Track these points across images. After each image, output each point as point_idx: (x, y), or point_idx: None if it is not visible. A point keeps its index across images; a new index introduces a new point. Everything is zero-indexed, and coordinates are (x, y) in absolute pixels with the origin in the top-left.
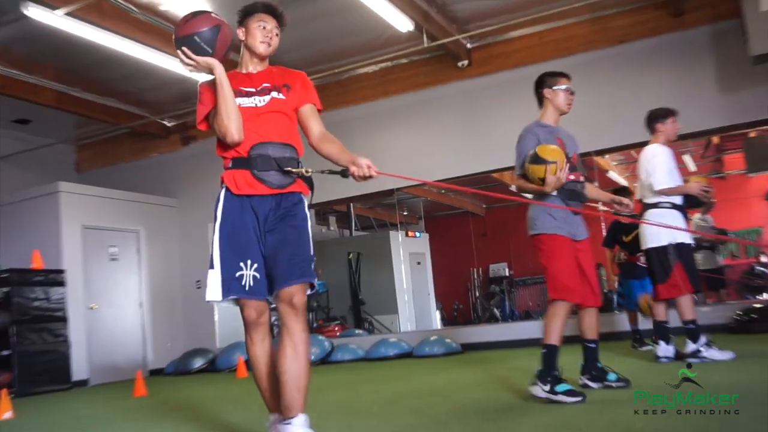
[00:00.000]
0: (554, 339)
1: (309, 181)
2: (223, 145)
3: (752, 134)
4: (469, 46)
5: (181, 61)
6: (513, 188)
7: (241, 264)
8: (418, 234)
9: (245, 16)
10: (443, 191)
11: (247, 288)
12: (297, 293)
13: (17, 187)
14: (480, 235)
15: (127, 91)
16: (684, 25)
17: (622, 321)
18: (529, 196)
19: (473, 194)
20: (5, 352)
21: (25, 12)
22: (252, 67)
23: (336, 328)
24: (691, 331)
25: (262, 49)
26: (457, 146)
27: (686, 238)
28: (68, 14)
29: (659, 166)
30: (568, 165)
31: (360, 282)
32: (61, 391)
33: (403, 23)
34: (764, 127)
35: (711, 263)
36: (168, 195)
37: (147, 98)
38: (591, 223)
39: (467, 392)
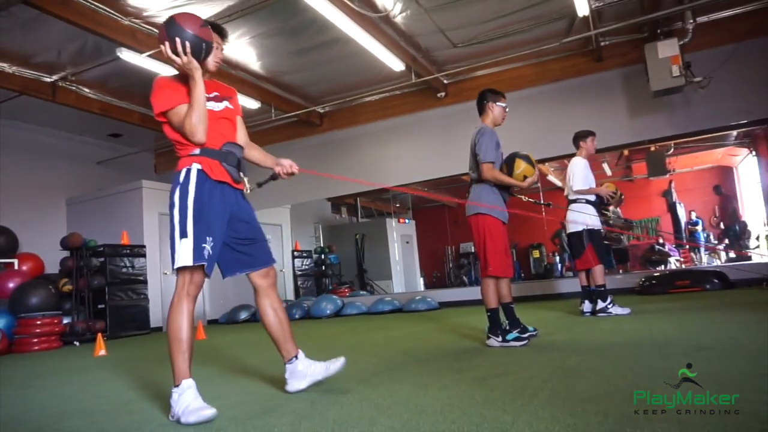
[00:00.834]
0: (493, 304)
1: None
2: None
3: (652, 148)
4: (446, 81)
5: (173, 48)
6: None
7: (207, 237)
8: (407, 221)
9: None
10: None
11: (206, 258)
12: (273, 271)
13: (111, 184)
14: (453, 222)
15: None
16: (603, 68)
17: (560, 284)
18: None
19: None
20: (101, 306)
21: (119, 54)
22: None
23: (346, 290)
24: (601, 292)
25: (214, 68)
26: (436, 155)
27: (596, 225)
28: (150, 56)
29: (578, 174)
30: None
31: (364, 256)
32: (141, 335)
33: (396, 65)
34: (661, 143)
35: (619, 243)
36: None
37: None
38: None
39: (443, 338)
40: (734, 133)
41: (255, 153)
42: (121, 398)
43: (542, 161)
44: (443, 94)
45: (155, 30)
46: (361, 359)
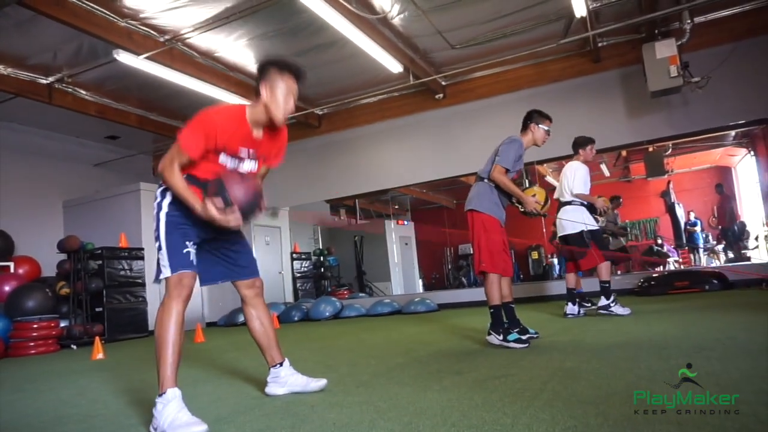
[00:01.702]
0: (496, 301)
1: None
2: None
3: (650, 149)
4: (443, 83)
5: (215, 205)
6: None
7: (186, 242)
8: (406, 222)
9: (275, 69)
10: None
11: (193, 261)
12: (259, 281)
13: (109, 187)
14: (452, 223)
15: (190, 116)
16: (601, 68)
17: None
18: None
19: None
20: (98, 309)
21: (116, 56)
22: (257, 131)
23: (345, 292)
24: (605, 289)
25: (281, 118)
26: (434, 157)
27: (595, 225)
28: (147, 58)
29: (580, 177)
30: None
31: (363, 258)
32: (139, 338)
33: (395, 66)
34: (659, 143)
35: (617, 245)
36: None
37: None
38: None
39: (442, 340)
40: (732, 133)
41: None
42: (119, 402)
43: (540, 162)
44: (441, 95)
45: (152, 32)
46: (360, 362)
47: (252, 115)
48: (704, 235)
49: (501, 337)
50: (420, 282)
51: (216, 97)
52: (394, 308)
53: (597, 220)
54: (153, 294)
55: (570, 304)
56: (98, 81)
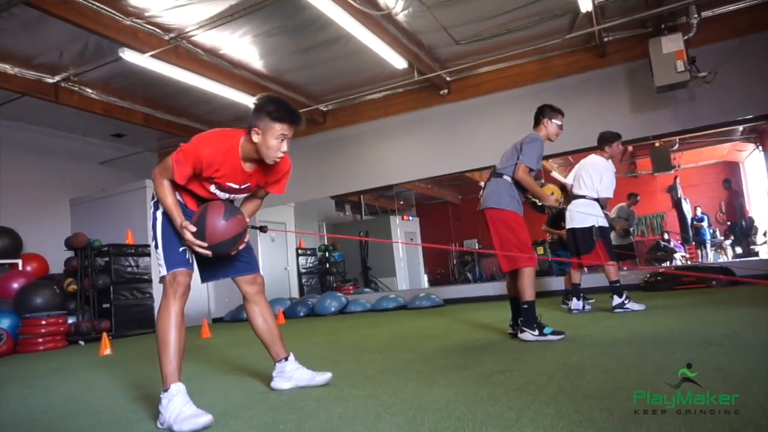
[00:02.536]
0: (532, 296)
1: None
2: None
3: (657, 144)
4: (448, 79)
5: (189, 230)
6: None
7: (182, 241)
8: (411, 217)
9: (270, 118)
10: (430, 186)
11: (189, 260)
12: (260, 278)
13: (115, 184)
14: (456, 218)
15: (195, 113)
16: (606, 63)
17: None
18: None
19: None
20: (106, 305)
21: (121, 55)
22: (248, 165)
23: (350, 288)
24: (616, 288)
25: (272, 162)
26: (439, 153)
27: (604, 222)
28: (153, 56)
29: (607, 179)
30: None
31: (368, 253)
32: (146, 334)
33: (399, 62)
34: (666, 139)
35: (624, 241)
36: None
37: (210, 118)
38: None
39: (447, 335)
40: (740, 128)
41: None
42: (126, 397)
43: (546, 158)
44: (446, 91)
45: (157, 30)
46: (365, 356)
47: (244, 151)
48: (711, 231)
49: (537, 333)
50: (425, 277)
51: (218, 93)
52: (400, 303)
53: (606, 216)
54: (159, 290)
55: (575, 299)
56: (104, 79)
